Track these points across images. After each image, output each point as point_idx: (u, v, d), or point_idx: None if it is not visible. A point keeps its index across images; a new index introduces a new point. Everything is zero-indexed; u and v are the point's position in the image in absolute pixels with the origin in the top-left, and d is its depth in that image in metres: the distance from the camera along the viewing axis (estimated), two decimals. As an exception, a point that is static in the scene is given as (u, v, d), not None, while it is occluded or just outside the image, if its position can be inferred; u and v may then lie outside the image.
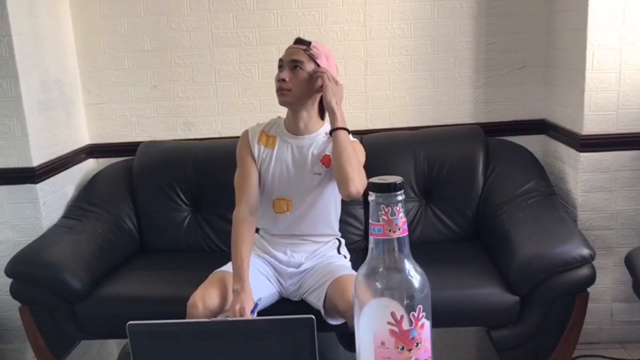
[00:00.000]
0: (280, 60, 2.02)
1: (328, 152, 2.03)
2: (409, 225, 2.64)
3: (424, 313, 1.16)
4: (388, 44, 2.88)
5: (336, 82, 1.99)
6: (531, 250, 2.17)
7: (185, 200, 2.79)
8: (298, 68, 1.97)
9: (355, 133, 2.86)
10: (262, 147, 2.07)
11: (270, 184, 2.08)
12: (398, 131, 2.89)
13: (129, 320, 2.37)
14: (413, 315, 1.13)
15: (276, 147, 2.06)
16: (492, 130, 2.84)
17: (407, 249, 1.14)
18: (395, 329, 1.12)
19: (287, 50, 2.03)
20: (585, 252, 2.11)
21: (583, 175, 2.50)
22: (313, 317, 1.26)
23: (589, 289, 2.18)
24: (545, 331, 2.19)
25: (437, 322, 2.14)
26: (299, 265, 2.13)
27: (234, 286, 1.87)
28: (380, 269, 1.13)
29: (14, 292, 2.33)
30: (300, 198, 2.06)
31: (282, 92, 1.99)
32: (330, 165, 2.02)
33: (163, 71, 2.96)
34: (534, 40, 2.84)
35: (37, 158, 2.56)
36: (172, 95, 2.98)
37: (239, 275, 1.87)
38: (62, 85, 2.80)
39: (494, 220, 2.50)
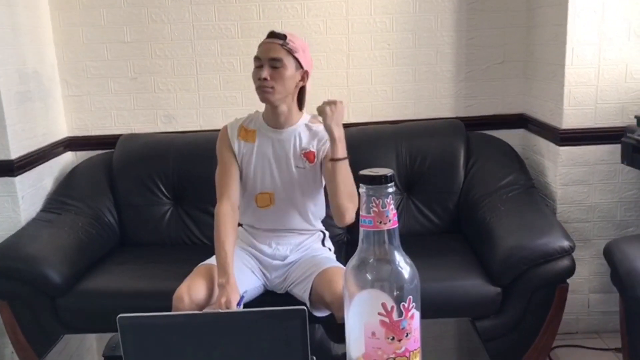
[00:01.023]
0: (258, 58, 1.96)
1: (313, 148, 2.03)
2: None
3: (414, 304, 1.18)
4: (370, 38, 2.89)
5: (335, 103, 1.94)
6: (512, 242, 2.21)
7: (166, 194, 2.77)
8: (278, 65, 1.93)
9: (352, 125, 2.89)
10: (242, 142, 2.06)
11: (252, 179, 2.08)
12: (380, 125, 2.91)
13: (110, 315, 2.34)
14: (403, 306, 1.14)
15: (256, 141, 2.05)
16: (473, 124, 2.88)
17: (397, 241, 1.15)
18: (386, 319, 1.13)
19: (262, 45, 1.97)
20: (566, 243, 2.15)
21: (562, 169, 2.55)
22: (305, 308, 1.27)
23: (568, 280, 2.22)
24: (526, 322, 2.23)
25: (421, 313, 2.17)
26: (284, 258, 2.13)
27: (219, 280, 1.87)
28: (371, 261, 1.14)
29: (-7, 288, 2.29)
30: (283, 191, 2.07)
31: (265, 89, 1.95)
32: (314, 161, 2.03)
33: (143, 63, 2.93)
34: (514, 35, 2.88)
35: (16, 151, 2.51)
36: (153, 87, 2.95)
37: (223, 269, 1.87)
38: (39, 76, 2.75)
39: (475, 213, 2.53)
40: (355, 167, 2.77)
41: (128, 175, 2.78)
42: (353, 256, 1.15)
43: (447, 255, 2.43)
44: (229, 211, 1.99)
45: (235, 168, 2.05)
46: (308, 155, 2.04)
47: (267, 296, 2.16)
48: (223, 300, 1.80)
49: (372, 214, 1.14)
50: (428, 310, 2.17)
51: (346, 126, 2.88)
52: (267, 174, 2.06)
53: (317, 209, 2.13)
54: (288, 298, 2.11)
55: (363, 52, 2.91)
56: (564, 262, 2.17)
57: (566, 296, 2.22)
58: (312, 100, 2.90)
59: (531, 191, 2.56)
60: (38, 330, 2.32)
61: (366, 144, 2.77)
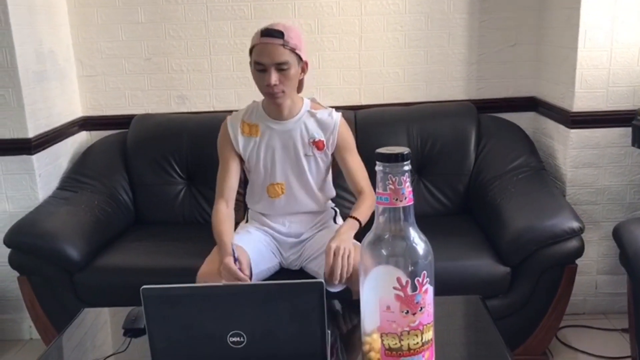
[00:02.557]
0: (259, 63, 1.90)
1: (321, 137, 2.06)
2: (401, 200, 2.73)
3: (427, 279, 1.22)
4: (383, 20, 2.90)
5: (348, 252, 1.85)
6: (522, 223, 2.23)
7: (180, 173, 2.81)
8: (285, 67, 1.90)
9: (348, 108, 2.92)
10: (246, 137, 2.07)
11: (262, 172, 2.10)
12: (392, 107, 2.93)
13: (127, 290, 2.39)
14: (418, 280, 1.18)
15: (260, 135, 2.06)
16: (484, 107, 2.89)
17: (412, 218, 1.18)
18: (401, 293, 1.17)
19: (261, 48, 1.89)
20: (575, 224, 2.18)
21: (572, 152, 2.56)
22: (322, 281, 1.30)
23: (576, 262, 2.25)
24: (535, 301, 2.26)
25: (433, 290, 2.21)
26: (299, 235, 2.17)
27: (223, 260, 1.90)
28: (386, 237, 1.17)
29: (13, 262, 2.34)
30: (293, 180, 2.10)
31: (276, 95, 1.94)
32: (323, 149, 2.06)
33: (157, 44, 2.95)
34: (527, 18, 2.88)
35: (33, 129, 2.55)
36: (166, 68, 2.97)
37: (224, 250, 1.92)
38: (55, 56, 2.78)
39: (485, 194, 2.56)
40: (367, 149, 2.80)
41: (142, 155, 2.82)
42: (369, 232, 1.18)
43: (458, 235, 2.46)
44: (224, 210, 2.05)
45: (235, 166, 2.08)
46: (317, 144, 2.06)
47: (282, 274, 2.20)
48: (221, 267, 1.86)
49: (389, 191, 1.16)
50: (438, 289, 2.23)
51: (358, 108, 2.93)
52: (277, 166, 2.08)
53: (327, 190, 2.17)
54: (303, 274, 2.16)
55: (375, 34, 2.92)
56: (573, 243, 2.20)
57: (574, 277, 2.25)
58: (324, 79, 2.95)
59: (541, 173, 2.59)
60: (57, 305, 2.38)
61: (378, 125, 2.80)
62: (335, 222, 2.23)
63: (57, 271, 2.33)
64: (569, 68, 2.54)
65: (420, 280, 1.21)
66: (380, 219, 1.18)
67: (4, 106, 2.49)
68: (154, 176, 2.81)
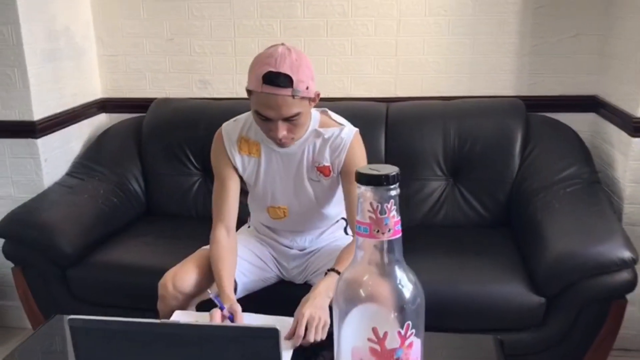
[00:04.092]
0: (262, 116, 1.60)
1: (327, 162, 1.76)
2: (433, 206, 2.46)
3: (413, 330, 0.99)
4: (424, 3, 2.58)
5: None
6: (564, 247, 1.91)
7: (195, 164, 2.62)
8: (295, 118, 1.61)
9: (381, 100, 2.65)
10: (245, 157, 1.78)
11: (261, 195, 1.84)
12: (429, 100, 2.63)
13: (120, 290, 2.24)
14: (399, 333, 0.96)
15: (262, 156, 1.77)
16: (535, 105, 2.54)
17: (399, 253, 0.99)
18: (377, 347, 0.96)
19: (262, 97, 1.56)
20: (627, 254, 1.83)
21: (633, 163, 2.20)
22: (277, 328, 1.07)
23: (627, 296, 1.91)
24: (574, 337, 1.95)
25: (451, 318, 1.94)
26: (304, 248, 1.94)
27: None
28: (366, 277, 0.97)
29: (6, 252, 2.23)
30: (298, 205, 1.84)
31: (284, 143, 1.67)
32: (330, 175, 1.77)
33: (180, 23, 2.75)
34: (591, 5, 2.49)
35: (39, 111, 2.42)
36: (189, 49, 2.78)
37: (222, 297, 1.63)
38: (71, 33, 2.63)
39: (526, 207, 2.23)
40: (398, 147, 2.55)
41: (157, 142, 2.65)
42: (347, 267, 0.99)
43: (490, 253, 2.15)
44: (223, 237, 1.76)
45: (234, 185, 1.79)
46: (323, 170, 1.77)
47: (284, 286, 1.99)
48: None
49: (369, 221, 0.96)
50: (459, 316, 1.96)
51: (392, 100, 2.65)
52: (278, 191, 1.82)
53: (336, 207, 1.89)
54: (307, 289, 1.93)
55: (416, 19, 2.61)
56: (623, 276, 1.86)
57: (623, 313, 1.92)
58: (356, 67, 2.69)
59: (594, 187, 2.23)
60: (49, 298, 2.25)
61: (411, 121, 2.52)
62: (346, 233, 1.98)
63: (49, 264, 2.20)
64: (637, 65, 2.16)
65: (403, 332, 0.97)
66: (358, 254, 0.97)
67: (10, 86, 2.36)
68: (168, 165, 2.63)
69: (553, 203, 2.14)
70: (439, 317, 1.95)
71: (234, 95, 2.78)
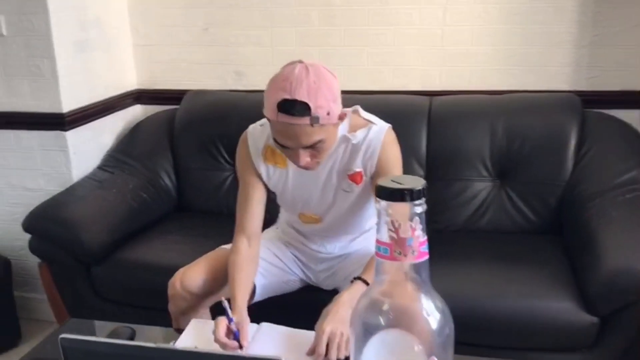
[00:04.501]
0: (281, 145, 1.48)
1: (358, 167, 1.60)
2: (476, 209, 2.28)
3: None
4: (473, -12, 2.40)
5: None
6: (620, 261, 1.72)
7: (227, 159, 2.53)
8: (318, 144, 1.46)
9: (424, 94, 2.48)
10: (271, 166, 1.64)
11: (290, 204, 1.73)
12: (476, 95, 2.44)
13: (144, 290, 2.16)
14: None
15: (288, 167, 1.64)
16: (593, 101, 2.33)
17: (425, 277, 0.87)
18: None
19: (279, 126, 1.42)
20: (694, 273, 1.63)
21: None
22: (281, 358, 0.95)
23: (693, 318, 1.70)
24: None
25: (492, 335, 1.78)
26: (332, 254, 1.81)
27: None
28: (385, 306, 0.85)
29: (33, 248, 2.19)
30: (330, 214, 1.71)
31: (309, 169, 1.53)
32: (361, 182, 1.62)
33: (215, 12, 2.65)
34: (661, -11, 2.25)
35: (69, 103, 2.36)
36: (224, 40, 2.68)
37: (236, 306, 1.50)
38: (103, 24, 2.57)
39: (580, 214, 2.03)
40: (440, 145, 2.37)
41: (189, 136, 2.57)
42: (365, 292, 0.87)
43: (538, 263, 1.97)
44: (244, 249, 1.62)
45: (258, 192, 1.66)
46: (354, 178, 1.61)
47: (311, 292, 1.86)
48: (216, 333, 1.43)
49: (389, 241, 0.84)
50: (501, 333, 1.80)
51: (436, 93, 2.47)
52: (308, 201, 1.69)
53: (371, 212, 1.74)
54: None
55: (463, 6, 2.42)
56: (689, 297, 1.65)
57: (689, 337, 1.71)
58: (398, 58, 2.53)
59: (658, 194, 2.02)
60: (74, 295, 2.20)
61: (456, 117, 2.35)
62: (380, 236, 1.84)
63: (74, 261, 2.14)
64: None
65: (427, 369, 0.85)
66: (378, 277, 0.86)
67: (39, 77, 2.31)
68: (200, 160, 2.54)
69: (610, 211, 1.94)
70: (478, 333, 1.81)
71: (270, 88, 2.67)
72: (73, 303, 2.20)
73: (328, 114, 1.41)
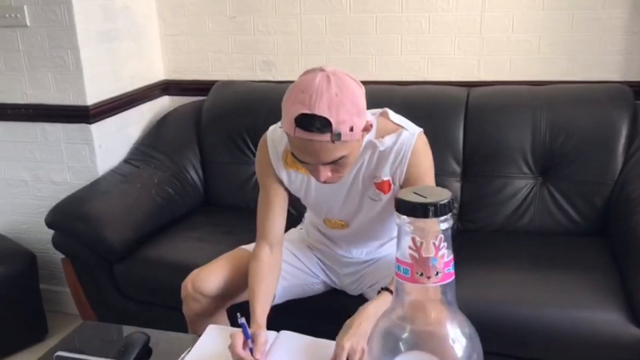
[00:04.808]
0: (299, 160, 1.37)
1: (386, 176, 1.49)
2: (516, 208, 2.14)
3: None
4: (515, -28, 2.24)
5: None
6: (674, 271, 1.57)
7: (255, 152, 2.43)
8: (339, 161, 1.35)
9: (462, 84, 2.34)
10: (292, 172, 1.54)
11: (314, 209, 1.65)
12: (517, 85, 2.29)
13: (167, 289, 2.09)
14: None
15: None
16: (647, 93, 2.15)
17: (451, 298, 0.78)
18: None
19: (297, 142, 1.31)
20: None
21: None
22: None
23: None
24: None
25: (528, 345, 1.65)
26: (358, 259, 1.72)
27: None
28: (405, 335, 0.77)
29: (56, 243, 2.15)
30: (357, 221, 1.61)
31: (330, 183, 1.42)
32: (389, 191, 1.51)
33: (243, 0, 2.56)
34: None
35: (94, 96, 2.31)
36: (252, 28, 2.58)
37: (254, 319, 1.44)
38: (131, 13, 2.50)
39: (628, 216, 1.88)
40: (478, 140, 2.23)
41: (216, 129, 2.49)
42: (384, 313, 0.79)
43: (581, 269, 1.83)
44: (265, 257, 1.54)
45: (280, 197, 1.57)
46: (382, 187, 1.50)
47: (337, 296, 1.78)
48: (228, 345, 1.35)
49: (410, 261, 0.77)
50: (538, 344, 1.67)
51: (474, 84, 2.33)
52: (332, 208, 1.59)
53: None
54: (363, 302, 1.70)
55: (504, -9, 2.28)
56: None
57: None
58: (435, 46, 2.39)
59: None
60: (97, 292, 2.16)
61: (495, 110, 2.21)
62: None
63: (97, 259, 2.10)
64: None
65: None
66: (399, 298, 0.78)
67: (63, 69, 2.26)
68: (227, 153, 2.47)
69: (663, 214, 1.78)
70: (513, 343, 1.68)
71: (299, 78, 2.57)
72: (96, 300, 2.16)
73: (351, 129, 1.29)
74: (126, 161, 2.46)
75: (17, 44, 2.28)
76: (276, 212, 1.57)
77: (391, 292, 1.41)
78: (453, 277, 0.79)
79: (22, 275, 2.30)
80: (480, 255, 1.99)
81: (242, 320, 1.35)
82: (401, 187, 1.51)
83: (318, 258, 1.76)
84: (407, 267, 0.84)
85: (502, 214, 2.16)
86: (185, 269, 1.96)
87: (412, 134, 1.47)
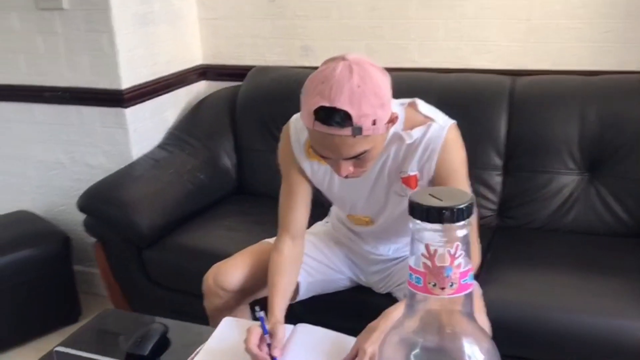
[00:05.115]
0: (320, 154, 1.31)
1: (413, 171, 1.40)
2: (560, 205, 2.01)
3: None
4: (567, -48, 2.10)
5: None
6: None
7: (289, 140, 2.39)
8: (361, 156, 1.28)
9: (507, 73, 2.23)
10: (315, 163, 1.47)
11: (339, 202, 1.58)
12: (566, 75, 2.16)
13: (195, 276, 2.08)
14: None
15: None
16: None
17: (468, 309, 0.72)
18: None
19: (317, 136, 1.25)
20: None
21: None
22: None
23: None
24: None
25: (564, 354, 1.56)
26: (386, 256, 1.65)
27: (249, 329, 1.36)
28: (417, 349, 0.71)
29: (88, 227, 2.16)
30: (382, 218, 1.53)
31: (352, 178, 1.37)
32: (417, 187, 1.42)
33: (282, -17, 2.50)
34: None
35: (129, 79, 2.30)
36: (290, 12, 2.52)
37: (272, 314, 1.38)
38: (168, -4, 2.48)
39: (683, 218, 1.75)
40: (521, 130, 2.10)
41: (251, 115, 2.45)
42: (395, 324, 0.74)
43: (625, 274, 1.71)
44: (287, 250, 1.49)
45: (303, 189, 1.50)
46: (409, 182, 1.41)
47: (363, 293, 1.71)
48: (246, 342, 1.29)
49: (423, 269, 0.72)
50: (576, 354, 1.57)
51: (520, 73, 2.21)
52: (357, 203, 1.52)
53: None
54: (389, 300, 1.64)
55: (555, -27, 2.14)
56: None
57: None
58: (479, 32, 2.27)
59: None
60: (127, 277, 2.16)
61: (541, 100, 2.09)
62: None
63: (126, 244, 2.10)
64: None
65: None
66: (411, 309, 0.73)
67: (99, 52, 2.26)
68: (262, 141, 2.42)
69: None
70: (549, 349, 1.59)
71: (337, 64, 2.49)
72: (126, 284, 2.17)
73: (374, 123, 1.21)
74: (160, 146, 2.44)
75: (55, 27, 2.28)
76: (298, 203, 1.51)
77: None
78: (470, 288, 0.73)
79: (56, 256, 2.32)
80: (518, 254, 1.89)
81: (262, 314, 1.30)
82: (430, 183, 1.43)
83: (345, 254, 1.70)
84: (420, 276, 0.78)
85: (544, 211, 2.04)
86: (212, 258, 1.93)
87: (442, 126, 1.38)
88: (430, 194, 0.82)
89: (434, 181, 1.40)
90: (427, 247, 0.76)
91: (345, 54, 1.26)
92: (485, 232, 2.04)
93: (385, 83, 1.25)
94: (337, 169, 1.32)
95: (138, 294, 2.14)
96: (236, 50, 2.66)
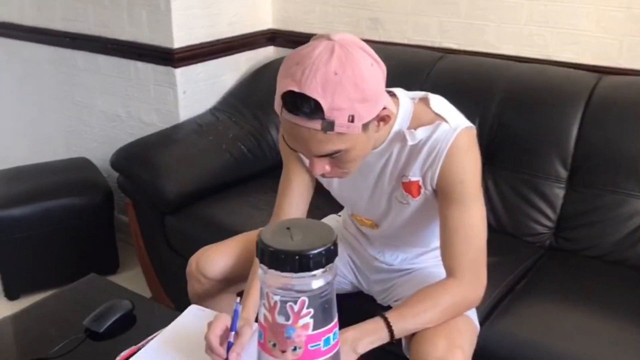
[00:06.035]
0: (290, 147, 1.15)
1: (415, 176, 1.20)
2: (629, 234, 1.67)
3: None
4: None
5: None
6: None
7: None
8: (335, 155, 1.10)
9: (594, 70, 1.90)
10: None
11: (340, 200, 1.43)
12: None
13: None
14: None
15: None
16: None
17: None
18: None
19: (289, 126, 1.07)
20: None
21: None
22: None
23: None
24: None
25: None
26: (391, 265, 1.46)
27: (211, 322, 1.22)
28: None
29: (119, 184, 2.16)
30: (386, 223, 1.35)
31: (333, 179, 1.26)
32: (418, 195, 1.23)
33: (357, -53, 2.30)
34: None
35: (181, 39, 2.23)
36: (363, -20, 2.32)
37: (244, 306, 1.22)
38: (236, -47, 2.37)
39: None
40: (596, 139, 1.76)
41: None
42: None
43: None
44: None
45: (301, 180, 1.35)
46: (410, 189, 1.23)
47: (365, 302, 1.53)
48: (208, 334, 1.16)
49: (264, 322, 0.64)
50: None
51: (612, 72, 1.87)
52: (358, 205, 1.37)
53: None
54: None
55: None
56: None
57: None
58: (566, 19, 1.95)
59: None
60: (151, 241, 2.14)
61: (626, 106, 1.79)
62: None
63: (150, 207, 2.06)
64: None
65: None
66: None
67: (155, 8, 2.21)
68: (313, 116, 2.27)
69: None
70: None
71: (405, 41, 2.26)
72: (150, 248, 2.14)
73: (351, 120, 1.03)
74: (210, 111, 2.37)
75: (119, -22, 2.27)
76: (295, 194, 1.36)
77: (386, 320, 1.16)
78: (323, 357, 0.58)
79: (98, 207, 2.35)
80: (561, 284, 1.61)
81: (239, 308, 1.17)
82: (434, 191, 1.22)
83: (349, 256, 1.53)
84: (261, 330, 0.66)
85: (609, 238, 1.72)
86: (228, 233, 1.83)
87: (453, 128, 1.16)
88: (287, 228, 0.67)
89: (439, 191, 1.20)
90: (267, 296, 0.63)
91: (333, 34, 1.07)
92: (535, 251, 1.78)
93: (373, 74, 1.05)
94: (310, 165, 1.15)
95: (160, 259, 2.11)
96: (305, 17, 2.50)
